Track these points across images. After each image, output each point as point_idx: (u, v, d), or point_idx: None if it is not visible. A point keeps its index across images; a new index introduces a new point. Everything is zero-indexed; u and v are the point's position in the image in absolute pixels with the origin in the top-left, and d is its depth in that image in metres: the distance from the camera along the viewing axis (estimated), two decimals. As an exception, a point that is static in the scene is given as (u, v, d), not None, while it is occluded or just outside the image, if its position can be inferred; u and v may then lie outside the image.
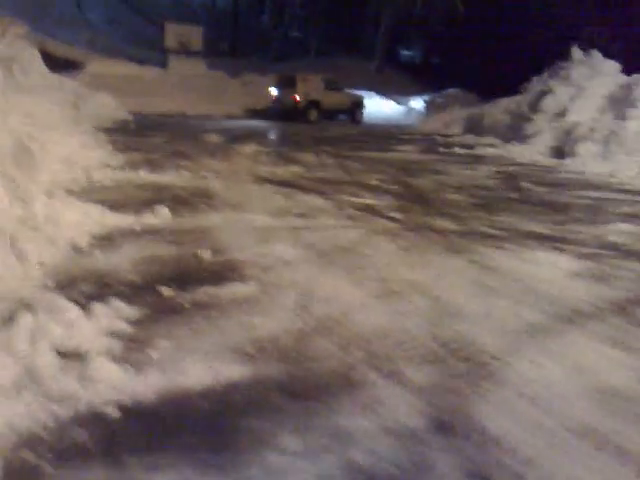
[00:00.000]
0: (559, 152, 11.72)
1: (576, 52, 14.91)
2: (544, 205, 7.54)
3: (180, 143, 11.97)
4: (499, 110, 16.05)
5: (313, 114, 20.24)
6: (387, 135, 17.10)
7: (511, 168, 10.55)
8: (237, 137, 13.92)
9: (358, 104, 21.66)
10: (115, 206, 5.59)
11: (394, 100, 24.76)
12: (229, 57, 30.24)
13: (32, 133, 6.84)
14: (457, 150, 12.85)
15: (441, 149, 13.05)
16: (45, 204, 4.61)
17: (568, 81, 13.58)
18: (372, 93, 23.94)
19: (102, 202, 5.66)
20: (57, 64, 20.98)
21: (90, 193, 6.11)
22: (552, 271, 4.67)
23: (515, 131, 14.01)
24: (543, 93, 13.76)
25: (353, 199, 7.06)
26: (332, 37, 34.57)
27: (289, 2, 35.20)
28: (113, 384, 2.40)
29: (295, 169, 9.26)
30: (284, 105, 20.49)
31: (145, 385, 2.43)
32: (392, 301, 3.72)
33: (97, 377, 2.40)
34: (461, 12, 25.07)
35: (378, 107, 23.70)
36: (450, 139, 15.61)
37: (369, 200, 7.05)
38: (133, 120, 16.49)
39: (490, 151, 12.74)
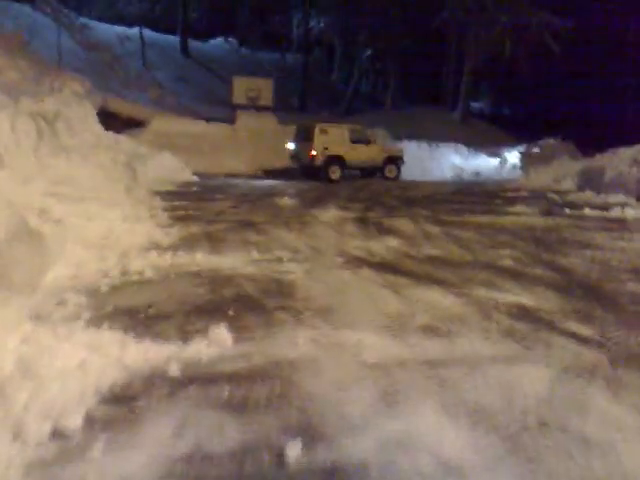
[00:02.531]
0: None
1: None
2: None
3: (248, 209, 10.32)
4: (624, 162, 13.62)
5: (335, 172, 17.52)
6: (488, 193, 14.93)
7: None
8: (314, 199, 12.22)
9: (394, 159, 18.75)
10: (148, 322, 3.76)
11: (485, 152, 22.66)
12: (299, 112, 29.35)
13: (53, 207, 5.23)
14: (588, 212, 10.52)
15: (566, 210, 10.76)
16: (26, 343, 2.79)
17: None
18: (459, 145, 21.97)
19: (130, 314, 3.85)
20: (121, 123, 20.40)
21: (117, 296, 4.31)
22: None
23: (656, 187, 11.56)
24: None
25: (494, 294, 4.95)
26: (407, 89, 33.27)
27: (359, 56, 34.35)
28: None
29: (393, 243, 7.30)
30: (301, 162, 18.02)
31: None
32: None
33: None
34: (556, 52, 22.92)
35: (468, 160, 21.66)
36: (569, 197, 13.27)
37: (520, 296, 4.92)
38: (198, 181, 15.23)
39: (632, 214, 10.33)
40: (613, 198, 12.43)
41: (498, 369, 3.34)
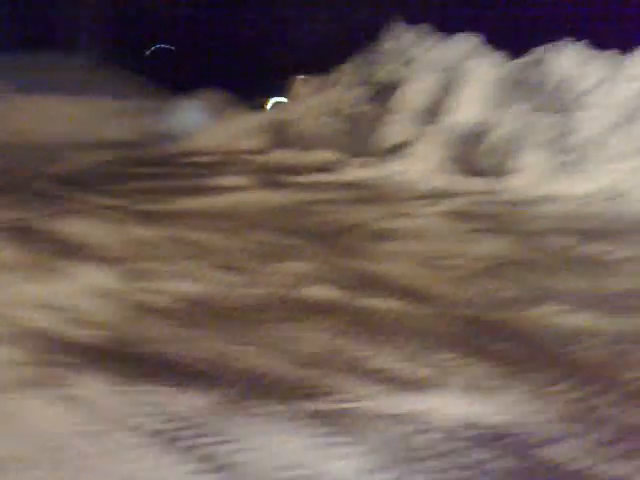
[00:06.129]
0: (470, 169, 8.39)
1: (399, 25, 11.53)
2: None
3: None
4: (320, 112, 12.39)
5: None
6: (169, 158, 11.93)
7: (456, 204, 6.74)
8: None
9: None
10: None
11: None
12: None
13: None
14: (319, 178, 8.72)
15: (289, 178, 8.74)
16: None
17: (422, 65, 10.38)
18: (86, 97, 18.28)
19: None
20: None
21: None
22: None
23: (364, 141, 10.43)
24: (390, 84, 10.38)
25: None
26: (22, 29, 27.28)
27: None
28: None
29: (97, 276, 4.15)
30: None
31: None
32: None
33: None
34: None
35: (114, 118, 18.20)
36: (266, 157, 11.37)
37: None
38: None
39: (364, 174, 8.80)
40: (324, 156, 10.90)
41: None
